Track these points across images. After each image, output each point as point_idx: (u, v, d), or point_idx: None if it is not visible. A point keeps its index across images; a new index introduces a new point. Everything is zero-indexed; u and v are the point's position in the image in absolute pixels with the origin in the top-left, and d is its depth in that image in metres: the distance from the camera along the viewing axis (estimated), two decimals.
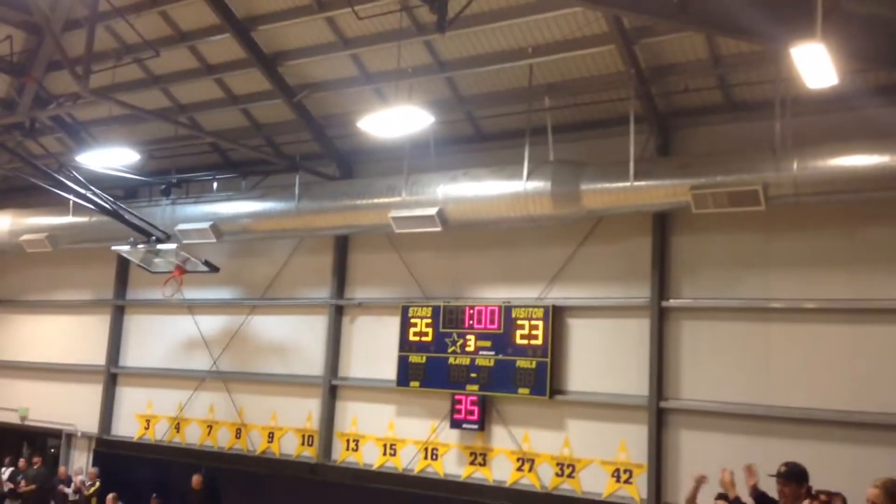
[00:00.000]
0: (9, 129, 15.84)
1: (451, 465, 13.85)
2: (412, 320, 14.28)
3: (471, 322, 13.71)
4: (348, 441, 15.02)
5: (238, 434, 16.29)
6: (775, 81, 10.71)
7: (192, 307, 17.27)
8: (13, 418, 19.55)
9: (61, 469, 17.82)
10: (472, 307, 13.77)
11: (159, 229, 14.95)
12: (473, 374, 13.51)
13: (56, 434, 18.97)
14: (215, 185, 15.86)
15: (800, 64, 8.52)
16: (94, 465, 17.83)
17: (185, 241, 15.07)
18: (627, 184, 11.37)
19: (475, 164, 13.05)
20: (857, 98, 10.75)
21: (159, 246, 14.89)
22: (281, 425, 15.81)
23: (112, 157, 14.60)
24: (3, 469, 18.60)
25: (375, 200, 13.37)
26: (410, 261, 14.78)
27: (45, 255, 18.17)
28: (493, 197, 12.32)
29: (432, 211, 12.68)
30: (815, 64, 8.44)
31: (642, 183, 11.33)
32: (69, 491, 17.13)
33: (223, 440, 16.44)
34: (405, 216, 12.98)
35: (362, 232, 14.53)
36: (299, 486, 15.04)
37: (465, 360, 13.62)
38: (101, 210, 15.11)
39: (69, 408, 18.80)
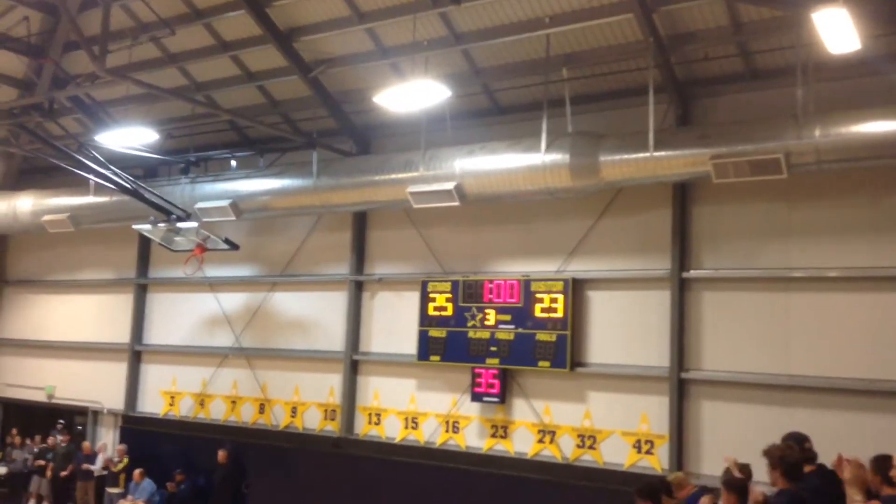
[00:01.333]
0: (28, 111, 15.95)
1: (473, 438, 13.92)
2: (432, 295, 14.29)
3: (490, 296, 13.70)
4: (370, 415, 15.12)
5: (262, 409, 16.44)
6: (796, 47, 10.52)
7: (213, 285, 17.39)
8: (40, 397, 19.82)
9: (85, 444, 18.08)
10: (491, 281, 13.76)
11: (179, 208, 15.01)
12: (494, 348, 13.53)
13: (82, 412, 19.22)
14: (234, 162, 15.88)
15: (821, 29, 8.42)
16: (120, 441, 18.08)
17: (204, 220, 15.13)
18: (647, 154, 11.26)
19: (492, 138, 12.98)
20: (881, 63, 10.55)
21: (179, 224, 14.97)
22: (304, 400, 15.93)
23: (131, 137, 14.64)
24: (29, 446, 18.91)
25: (393, 176, 13.34)
26: (429, 236, 14.77)
27: (67, 235, 18.31)
28: (511, 170, 12.25)
29: (450, 185, 12.63)
30: (837, 29, 8.35)
31: (662, 153, 11.21)
32: (95, 467, 17.39)
33: (247, 415, 16.60)
34: (423, 191, 12.94)
35: (380, 207, 14.52)
36: (323, 459, 15.19)
37: (485, 334, 13.63)
38: (122, 189, 15.20)
39: (95, 386, 19.04)
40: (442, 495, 13.72)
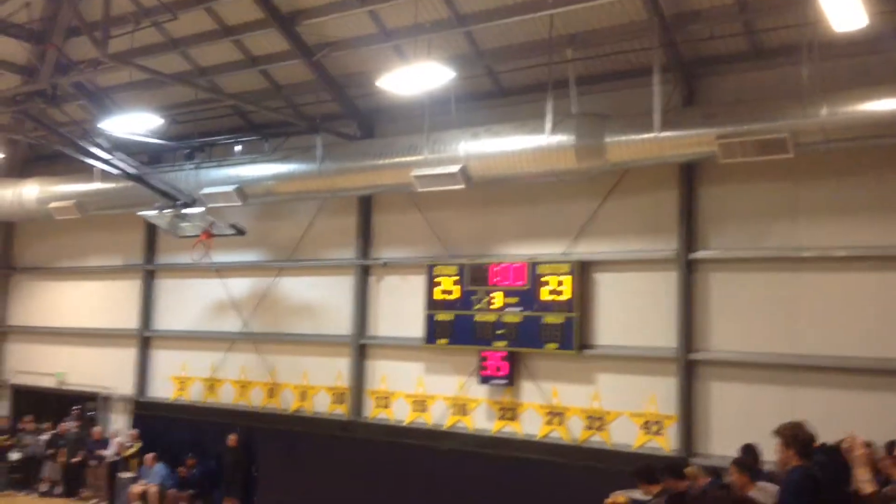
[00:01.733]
0: (31, 97, 15.88)
1: (481, 421, 13.95)
2: (438, 278, 14.29)
3: (497, 279, 13.68)
4: (378, 398, 15.17)
5: (271, 393, 16.50)
6: (802, 26, 10.39)
7: (220, 270, 17.41)
8: (51, 383, 19.93)
9: (96, 430, 18.22)
10: (497, 264, 13.74)
11: (185, 193, 15.03)
12: (501, 331, 13.52)
13: (93, 397, 19.31)
14: (238, 148, 15.84)
15: (827, 6, 8.31)
16: (131, 426, 18.19)
17: (210, 205, 15.15)
18: (653, 135, 11.19)
19: (497, 120, 12.89)
20: (887, 40, 10.44)
21: (185, 210, 15.00)
22: (312, 384, 15.98)
23: (135, 123, 14.59)
24: (41, 431, 19.02)
25: (397, 159, 13.30)
26: (435, 219, 14.74)
27: (74, 221, 18.32)
28: (516, 152, 12.21)
29: (455, 168, 12.58)
30: (843, 6, 8.24)
31: (668, 134, 11.14)
32: (108, 453, 17.52)
33: (256, 399, 16.68)
34: (427, 174, 12.90)
35: (385, 191, 14.49)
36: (332, 442, 15.26)
37: (492, 317, 13.63)
38: (127, 176, 15.22)
39: (105, 371, 19.14)
40: (450, 477, 13.77)
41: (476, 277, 13.90)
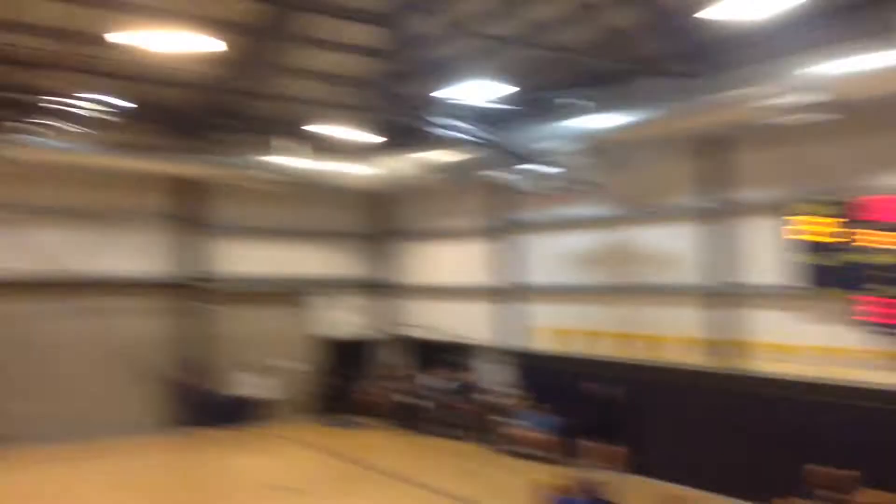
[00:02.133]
0: (384, 77, 16.78)
1: (860, 372, 12.51)
2: (808, 218, 13.01)
3: (880, 215, 12.07)
4: (747, 349, 14.30)
5: (629, 343, 16.39)
6: None
7: (578, 224, 17.64)
8: (433, 335, 21.74)
9: (470, 377, 19.79)
10: (879, 197, 12.13)
11: (533, 152, 15.12)
12: (885, 273, 11.92)
13: (473, 348, 20.66)
14: (581, 101, 15.44)
15: None
16: (506, 376, 19.31)
17: (560, 161, 15.03)
18: None
19: (858, 35, 11.03)
20: None
21: (538, 168, 15.09)
22: (669, 334, 15.64)
23: (481, 88, 14.82)
24: (431, 379, 20.78)
25: (750, 91, 12.07)
26: (800, 153, 13.35)
27: (441, 187, 19.49)
28: (887, 69, 10.47)
29: (816, 96, 11.14)
30: None
31: None
32: (485, 399, 18.83)
33: (623, 351, 16.60)
34: (786, 104, 11.55)
35: (739, 127, 13.29)
36: (701, 395, 14.76)
37: (873, 258, 12.08)
38: (479, 142, 15.66)
39: (478, 324, 20.42)
40: (822, 432, 12.60)
41: (854, 214, 12.38)
